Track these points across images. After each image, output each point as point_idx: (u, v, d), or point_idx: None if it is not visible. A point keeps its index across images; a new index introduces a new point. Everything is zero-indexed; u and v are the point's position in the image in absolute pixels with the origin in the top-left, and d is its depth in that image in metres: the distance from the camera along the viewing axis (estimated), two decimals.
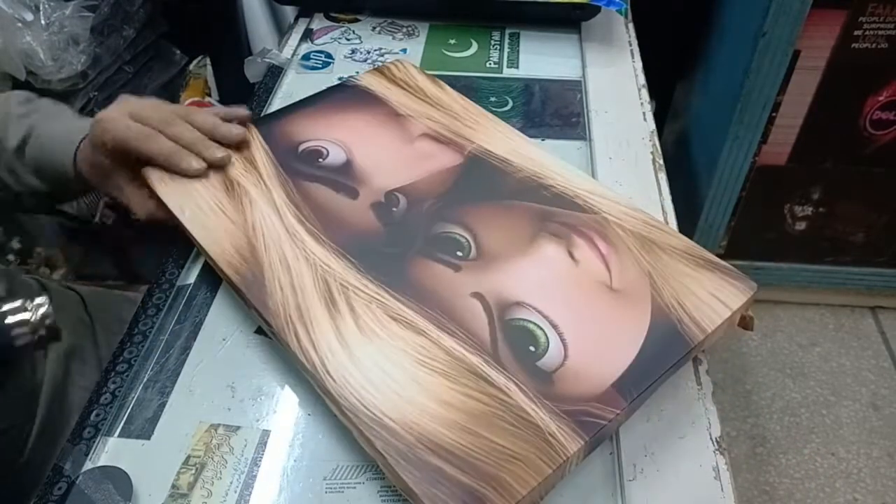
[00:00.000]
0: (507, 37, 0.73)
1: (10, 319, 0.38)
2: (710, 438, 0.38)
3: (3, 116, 0.56)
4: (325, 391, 0.37)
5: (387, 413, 0.35)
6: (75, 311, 0.60)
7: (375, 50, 0.71)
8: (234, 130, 0.51)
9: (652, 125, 0.60)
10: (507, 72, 0.68)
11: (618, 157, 0.56)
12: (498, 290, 0.41)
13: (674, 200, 0.53)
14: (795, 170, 1.22)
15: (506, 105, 0.63)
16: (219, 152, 0.50)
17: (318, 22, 0.77)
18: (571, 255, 0.43)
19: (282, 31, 1.31)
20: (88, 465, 0.37)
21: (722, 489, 0.36)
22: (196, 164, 0.49)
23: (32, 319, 0.39)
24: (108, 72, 1.08)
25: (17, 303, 0.39)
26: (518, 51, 0.71)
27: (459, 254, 0.43)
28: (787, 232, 1.32)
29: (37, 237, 1.33)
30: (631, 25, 0.75)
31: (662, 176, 0.55)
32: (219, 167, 0.50)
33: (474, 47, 0.72)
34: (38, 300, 0.40)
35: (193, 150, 0.50)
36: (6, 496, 0.48)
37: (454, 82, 0.59)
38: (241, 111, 0.54)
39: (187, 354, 0.42)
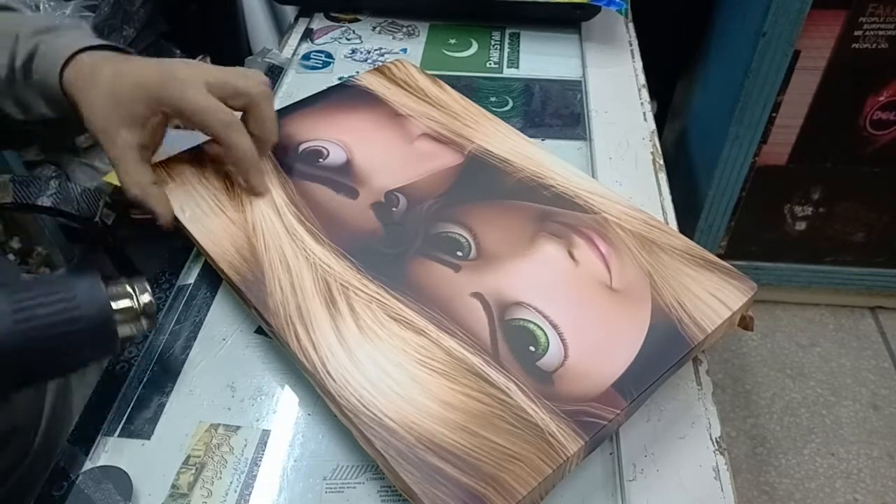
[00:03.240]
0: (507, 37, 0.73)
1: (116, 305, 0.34)
2: (710, 438, 0.38)
3: (15, 32, 0.49)
4: (325, 391, 0.37)
5: (387, 413, 0.35)
6: None
7: (375, 50, 0.71)
8: (260, 186, 0.48)
9: (652, 125, 0.60)
10: (508, 72, 0.68)
11: (618, 157, 0.56)
12: (498, 290, 0.41)
13: (674, 200, 0.53)
14: (795, 170, 1.22)
15: (506, 105, 0.63)
16: (264, 188, 0.47)
17: (319, 22, 0.77)
18: (571, 255, 0.43)
19: (282, 31, 1.31)
20: (88, 465, 0.37)
21: (722, 489, 0.36)
22: (265, 187, 0.47)
23: (135, 307, 0.35)
24: None
25: (121, 287, 0.35)
26: (518, 51, 0.71)
27: (459, 254, 0.43)
28: (787, 232, 1.32)
29: (37, 237, 1.33)
30: (631, 25, 0.75)
31: (662, 176, 0.55)
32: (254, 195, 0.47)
33: (474, 47, 0.72)
34: (140, 284, 0.35)
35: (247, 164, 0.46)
36: (12, 496, 0.48)
37: (454, 82, 0.59)
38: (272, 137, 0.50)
39: (187, 354, 0.42)
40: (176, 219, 0.47)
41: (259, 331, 0.43)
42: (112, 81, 0.45)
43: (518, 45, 0.72)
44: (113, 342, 0.34)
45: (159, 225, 0.46)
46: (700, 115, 1.35)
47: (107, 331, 0.33)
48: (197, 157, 0.51)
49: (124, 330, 0.34)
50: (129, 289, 0.35)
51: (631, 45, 0.72)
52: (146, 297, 0.35)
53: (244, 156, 0.45)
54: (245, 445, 0.38)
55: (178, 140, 0.52)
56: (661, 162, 0.56)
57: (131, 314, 0.34)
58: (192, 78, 0.44)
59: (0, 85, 0.49)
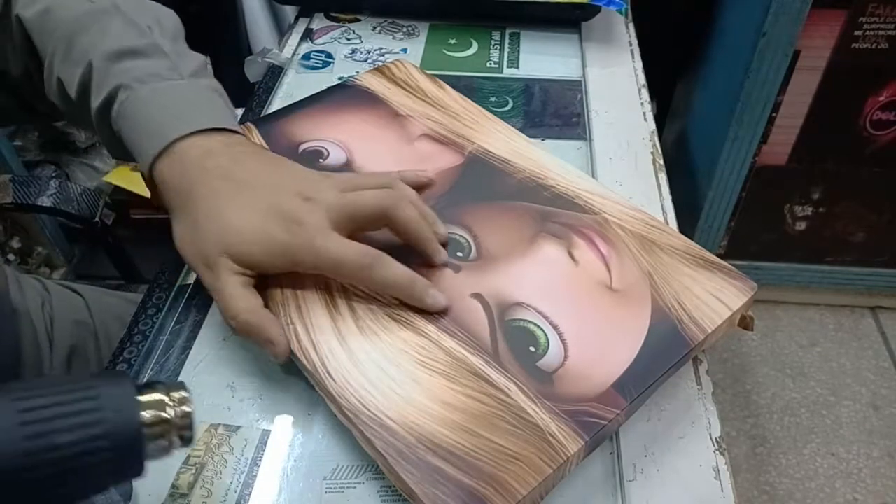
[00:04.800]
0: (507, 37, 0.73)
1: (146, 415, 0.26)
2: (710, 438, 0.38)
3: (87, 54, 0.42)
4: (326, 391, 0.37)
5: (387, 413, 0.35)
6: (77, 312, 0.60)
7: (376, 50, 0.71)
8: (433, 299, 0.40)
9: (652, 125, 0.60)
10: (508, 72, 0.68)
11: (618, 157, 0.56)
12: (498, 291, 0.41)
13: (674, 200, 0.53)
14: (795, 170, 1.22)
15: (506, 105, 0.63)
16: (441, 300, 0.39)
17: (319, 22, 0.77)
18: (571, 256, 0.43)
19: (282, 31, 1.31)
20: None
21: (722, 489, 0.36)
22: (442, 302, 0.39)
23: (172, 418, 0.27)
24: None
25: (155, 394, 0.27)
26: (518, 51, 0.71)
27: (459, 254, 0.43)
28: (787, 232, 1.32)
29: (37, 237, 1.33)
30: (631, 25, 0.75)
31: (662, 176, 0.55)
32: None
33: (474, 47, 0.72)
34: (179, 394, 0.28)
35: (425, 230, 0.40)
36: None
37: (454, 82, 0.59)
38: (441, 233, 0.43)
39: (187, 354, 0.42)
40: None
41: None
42: (221, 212, 0.37)
43: (518, 45, 0.72)
44: (138, 468, 0.26)
45: (274, 355, 0.38)
46: (700, 115, 1.35)
47: (133, 453, 0.26)
48: None
49: (153, 449, 0.27)
50: (163, 397, 0.27)
51: (631, 45, 0.72)
52: (184, 409, 0.27)
53: (400, 288, 0.39)
54: (245, 445, 0.38)
55: None
56: (661, 162, 0.56)
57: (163, 428, 0.27)
58: (317, 223, 0.37)
59: (64, 103, 0.44)
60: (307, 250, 0.37)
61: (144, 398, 0.26)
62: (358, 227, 0.39)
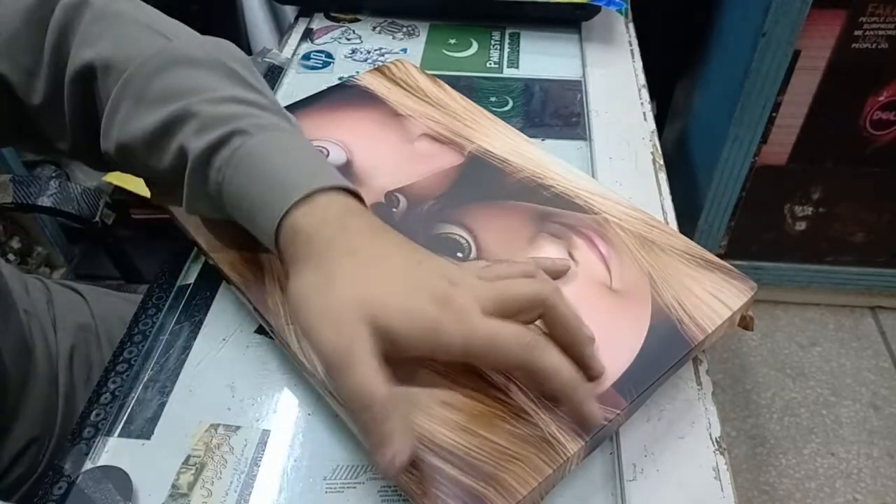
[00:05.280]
0: (507, 37, 0.73)
1: None
2: (710, 438, 0.38)
3: (183, 97, 0.37)
4: (326, 391, 0.37)
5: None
6: (78, 312, 0.60)
7: (375, 50, 0.71)
8: (592, 415, 0.33)
9: (652, 125, 0.60)
10: (508, 72, 0.68)
11: (618, 157, 0.56)
12: None
13: (674, 200, 0.53)
14: (795, 170, 1.22)
15: (506, 105, 0.63)
16: (598, 416, 0.33)
17: (319, 22, 0.77)
18: (571, 256, 0.43)
19: (282, 31, 1.31)
20: (88, 465, 0.37)
21: (722, 489, 0.36)
22: (597, 414, 0.33)
23: None
24: None
25: None
26: (518, 51, 0.71)
27: (459, 255, 0.43)
28: (787, 232, 1.32)
29: (37, 237, 1.33)
30: (631, 25, 0.75)
31: (662, 176, 0.55)
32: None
33: (474, 47, 0.72)
34: None
35: (573, 395, 0.33)
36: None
37: (454, 82, 0.59)
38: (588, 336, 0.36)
39: (187, 354, 0.42)
40: (173, 215, 0.47)
41: (259, 331, 0.43)
42: (365, 274, 0.33)
43: (518, 45, 0.72)
44: None
45: (386, 466, 0.30)
46: (700, 115, 1.35)
47: None
48: None
49: None
50: None
51: (631, 45, 0.72)
52: None
53: (563, 379, 0.32)
54: (245, 445, 0.38)
55: None
56: (661, 162, 0.56)
57: None
58: (468, 305, 0.32)
59: (117, 150, 0.39)
60: (458, 328, 0.31)
61: None
62: (508, 317, 0.33)
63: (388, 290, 0.32)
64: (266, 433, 0.38)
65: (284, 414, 0.39)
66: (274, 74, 0.68)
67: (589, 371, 0.35)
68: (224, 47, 0.41)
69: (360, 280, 0.32)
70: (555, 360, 0.32)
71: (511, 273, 0.35)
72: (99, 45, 0.39)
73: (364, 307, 0.31)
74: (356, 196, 0.37)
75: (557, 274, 0.41)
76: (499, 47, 0.71)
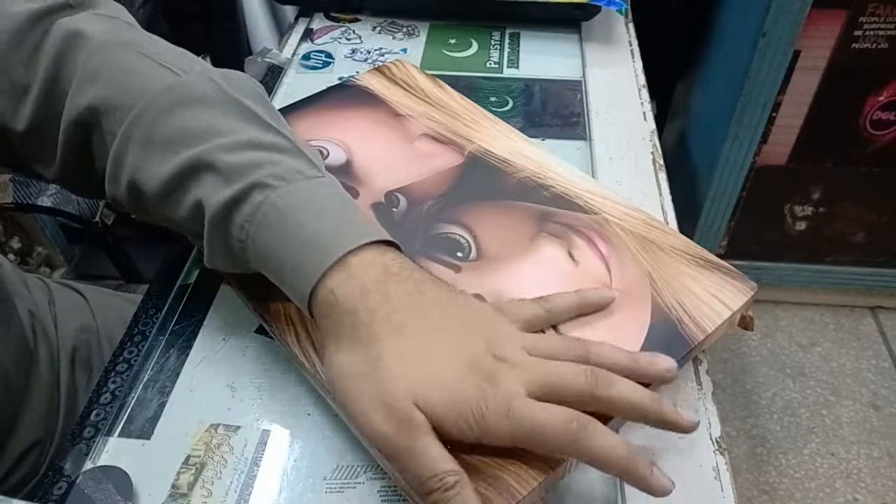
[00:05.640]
0: (507, 37, 0.73)
1: None
2: (710, 438, 0.38)
3: (199, 143, 0.35)
4: (326, 391, 0.37)
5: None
6: (80, 313, 0.60)
7: (375, 50, 0.71)
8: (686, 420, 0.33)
9: (652, 125, 0.60)
10: (507, 72, 0.68)
11: (618, 157, 0.56)
12: (498, 291, 0.41)
13: (674, 200, 0.53)
14: (795, 170, 1.22)
15: (506, 105, 0.63)
16: (690, 414, 0.33)
17: (319, 22, 0.77)
18: (571, 256, 0.43)
19: (282, 31, 1.31)
20: (88, 465, 0.37)
21: (722, 489, 0.36)
22: (668, 483, 0.31)
23: None
24: None
25: None
26: (518, 51, 0.71)
27: (459, 255, 0.43)
28: (787, 232, 1.32)
29: (37, 237, 1.33)
30: (631, 25, 0.75)
31: (662, 176, 0.55)
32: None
33: (474, 47, 0.72)
34: None
35: (651, 415, 0.32)
36: None
37: (454, 82, 0.59)
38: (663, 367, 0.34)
39: (187, 354, 0.42)
40: None
41: (259, 331, 0.43)
42: (414, 354, 0.31)
43: (518, 45, 0.72)
44: None
45: None
46: (700, 115, 1.35)
47: None
48: None
49: None
50: None
51: (631, 45, 0.72)
52: None
53: (617, 464, 0.30)
54: (245, 445, 0.38)
55: None
56: (661, 162, 0.56)
57: None
58: (514, 388, 0.30)
59: (128, 198, 0.37)
60: (502, 414, 0.30)
61: None
62: (557, 402, 0.31)
63: (434, 373, 0.30)
64: (266, 433, 0.38)
65: (284, 414, 0.39)
66: (274, 74, 0.68)
67: (681, 428, 0.33)
68: (236, 80, 0.38)
69: (407, 364, 0.31)
70: (606, 445, 0.30)
71: (563, 352, 0.33)
72: (100, 81, 0.37)
73: (416, 392, 0.30)
74: (391, 244, 0.35)
75: (602, 307, 0.39)
76: (499, 47, 0.71)
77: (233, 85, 0.37)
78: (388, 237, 0.35)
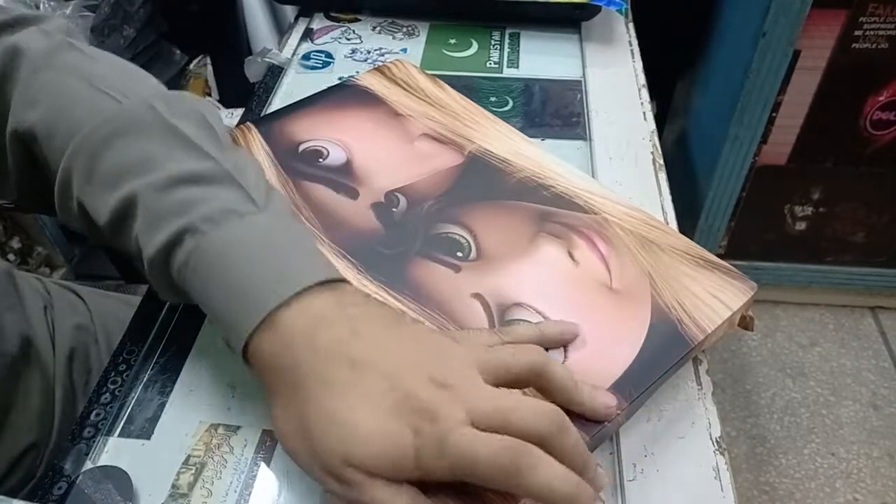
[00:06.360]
0: (507, 37, 0.73)
1: None
2: (710, 438, 0.38)
3: (134, 183, 0.34)
4: None
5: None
6: (78, 315, 0.60)
7: (375, 50, 0.71)
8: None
9: (652, 125, 0.60)
10: (507, 72, 0.68)
11: (618, 157, 0.56)
12: (498, 291, 0.41)
13: (674, 200, 0.53)
14: (795, 170, 1.22)
15: (506, 105, 0.63)
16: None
17: (319, 22, 0.77)
18: (571, 256, 0.43)
19: (282, 31, 1.31)
20: (88, 465, 0.37)
21: (722, 489, 0.36)
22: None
23: None
24: None
25: None
26: (518, 51, 0.71)
27: (459, 254, 0.43)
28: (787, 232, 1.32)
29: (37, 237, 1.33)
30: (631, 25, 0.75)
31: (662, 176, 0.55)
32: None
33: (474, 47, 0.72)
34: None
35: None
36: None
37: (454, 82, 0.59)
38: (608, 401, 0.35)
39: (187, 354, 0.42)
40: None
41: None
42: (338, 412, 0.30)
43: (518, 45, 0.72)
44: None
45: None
46: (700, 115, 1.35)
47: None
48: None
49: None
50: None
51: (631, 45, 0.72)
52: None
53: (557, 497, 0.28)
54: (245, 445, 0.38)
55: None
56: (661, 162, 0.56)
57: None
58: (454, 417, 0.29)
59: (87, 228, 0.37)
60: (436, 455, 0.28)
61: None
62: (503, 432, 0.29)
63: (365, 423, 0.29)
64: (266, 433, 0.38)
65: None
66: (274, 74, 0.68)
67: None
68: (179, 103, 0.37)
69: (336, 421, 0.29)
70: (548, 478, 0.28)
71: (514, 366, 0.32)
72: (40, 106, 0.36)
73: (344, 453, 0.29)
74: (329, 280, 0.33)
75: (562, 343, 0.37)
76: (499, 47, 0.71)
77: (174, 109, 0.36)
78: (327, 275, 0.33)
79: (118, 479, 0.36)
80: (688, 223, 1.32)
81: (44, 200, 0.39)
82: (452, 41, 0.73)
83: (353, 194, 0.48)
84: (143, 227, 0.34)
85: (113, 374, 0.42)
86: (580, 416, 0.34)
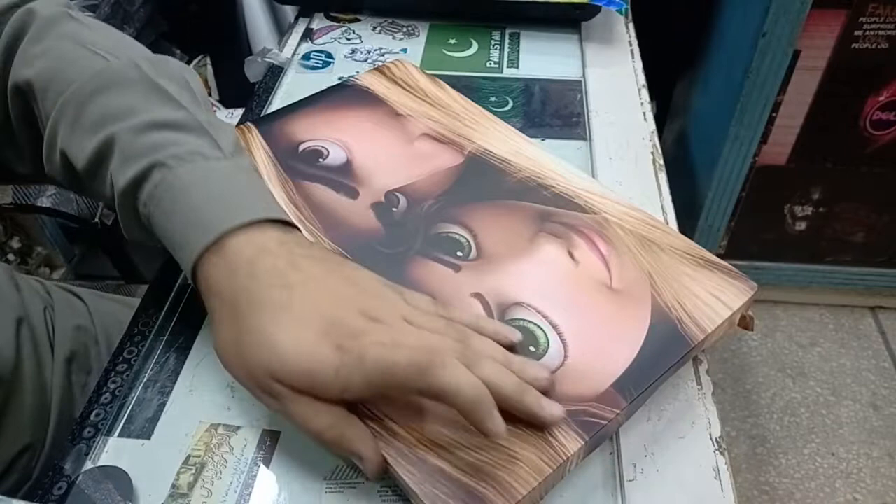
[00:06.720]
0: (507, 37, 0.73)
1: None
2: (710, 438, 0.38)
3: (111, 126, 0.37)
4: None
5: (387, 413, 0.35)
6: (78, 317, 0.59)
7: (375, 50, 0.71)
8: (541, 373, 0.35)
9: (652, 125, 0.60)
10: (508, 72, 0.68)
11: (618, 157, 0.56)
12: (498, 291, 0.41)
13: (674, 200, 0.53)
14: (795, 170, 1.22)
15: (506, 105, 0.63)
16: (555, 409, 0.33)
17: (319, 22, 0.77)
18: (571, 256, 0.43)
19: (282, 31, 1.31)
20: (88, 465, 0.37)
21: (722, 489, 0.36)
22: (504, 427, 0.31)
23: None
24: None
25: None
26: (518, 51, 0.71)
27: (459, 254, 0.43)
28: (787, 232, 1.32)
29: (37, 237, 1.33)
30: (631, 25, 0.75)
31: (662, 176, 0.55)
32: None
33: (474, 47, 0.72)
34: None
35: (512, 400, 0.32)
36: None
37: (454, 82, 0.59)
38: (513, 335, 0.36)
39: (187, 354, 0.42)
40: None
41: None
42: (266, 330, 0.32)
43: (518, 45, 0.72)
44: None
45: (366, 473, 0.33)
46: (700, 115, 1.35)
47: None
48: None
49: None
50: None
51: (631, 45, 0.72)
52: None
53: (465, 395, 0.31)
54: (245, 445, 0.38)
55: None
56: (661, 162, 0.56)
57: None
58: (378, 338, 0.32)
59: (65, 176, 0.40)
60: (356, 365, 0.31)
61: None
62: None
63: (290, 342, 0.32)
64: (266, 433, 0.38)
65: None
66: (274, 74, 0.68)
67: (538, 419, 0.33)
68: (163, 66, 0.40)
69: (264, 338, 0.32)
70: (450, 379, 0.30)
71: (443, 331, 0.33)
72: (38, 64, 0.39)
73: (269, 369, 0.32)
74: (279, 221, 0.35)
75: (497, 340, 0.36)
76: (499, 47, 0.71)
77: (158, 69, 0.40)
78: (278, 215, 0.36)
79: (118, 479, 0.36)
80: (688, 223, 1.32)
81: (41, 160, 0.41)
82: (452, 41, 0.73)
83: (353, 194, 0.48)
84: (118, 165, 0.36)
85: (113, 374, 0.42)
86: (577, 418, 0.34)
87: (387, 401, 0.34)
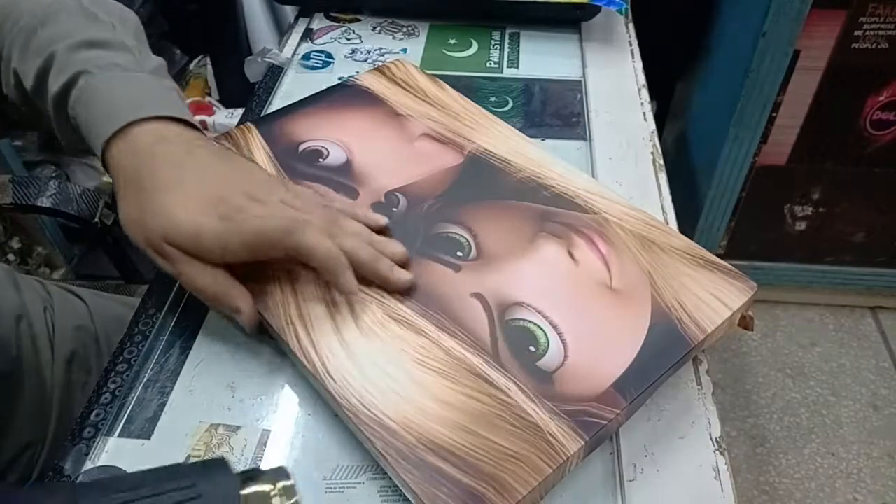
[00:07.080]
0: (507, 37, 0.73)
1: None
2: (710, 438, 0.38)
3: (52, 45, 0.42)
4: (326, 391, 0.37)
5: (387, 413, 0.35)
6: (78, 317, 0.59)
7: (375, 50, 0.71)
8: (398, 248, 0.42)
9: (652, 125, 0.60)
10: (508, 72, 0.68)
11: (618, 157, 0.56)
12: (498, 291, 0.41)
13: (674, 200, 0.53)
14: (795, 170, 1.22)
15: (506, 105, 0.63)
16: (404, 275, 0.41)
17: (319, 22, 0.77)
18: (571, 256, 0.43)
19: (282, 31, 1.31)
20: (88, 465, 0.37)
21: (722, 489, 0.36)
22: (356, 285, 0.39)
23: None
24: None
25: (261, 487, 0.25)
26: (518, 51, 0.71)
27: (459, 254, 0.43)
28: (787, 232, 1.32)
29: (37, 237, 1.33)
30: (631, 25, 0.75)
31: (662, 176, 0.55)
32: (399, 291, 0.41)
33: (474, 47, 0.72)
34: (283, 484, 0.26)
35: (368, 266, 0.40)
36: None
37: (454, 82, 0.59)
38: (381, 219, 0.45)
39: (187, 354, 0.42)
40: None
41: (259, 331, 0.43)
42: (162, 199, 0.38)
43: (518, 45, 0.72)
44: None
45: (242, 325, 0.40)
46: (700, 115, 1.35)
47: None
48: None
49: None
50: (268, 488, 0.26)
51: (631, 45, 0.72)
52: (292, 501, 0.26)
53: (321, 254, 0.38)
54: (245, 445, 0.38)
55: None
56: (661, 162, 0.56)
57: None
58: (259, 212, 0.38)
59: (18, 96, 0.45)
60: (234, 230, 0.37)
61: (248, 491, 0.25)
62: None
63: (182, 210, 0.37)
64: (266, 433, 0.38)
65: (284, 414, 0.39)
66: (274, 74, 0.68)
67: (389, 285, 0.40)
68: (105, 4, 0.46)
69: (159, 205, 0.38)
70: (309, 241, 0.37)
71: (308, 207, 0.40)
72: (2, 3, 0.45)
73: (162, 233, 0.38)
74: (182, 121, 0.41)
75: (373, 226, 0.44)
76: (499, 47, 0.71)
77: (98, 4, 0.46)
78: (184, 116, 0.41)
79: None
80: (688, 223, 1.32)
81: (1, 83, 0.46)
82: (452, 41, 0.73)
83: (354, 194, 0.48)
84: (54, 77, 0.42)
85: (113, 373, 0.42)
86: (578, 418, 0.34)
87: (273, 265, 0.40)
